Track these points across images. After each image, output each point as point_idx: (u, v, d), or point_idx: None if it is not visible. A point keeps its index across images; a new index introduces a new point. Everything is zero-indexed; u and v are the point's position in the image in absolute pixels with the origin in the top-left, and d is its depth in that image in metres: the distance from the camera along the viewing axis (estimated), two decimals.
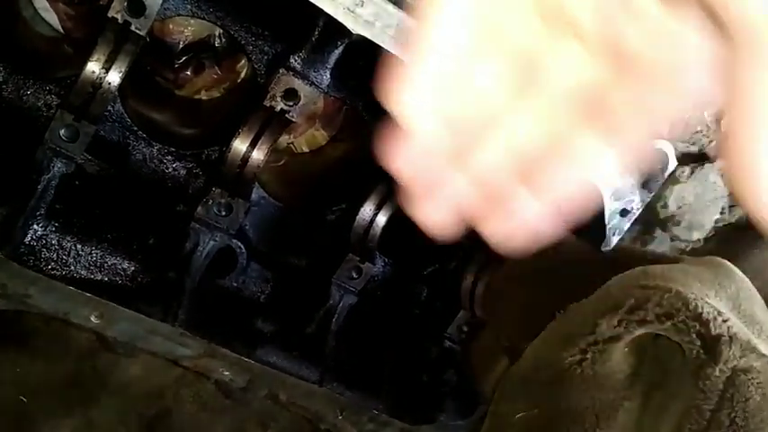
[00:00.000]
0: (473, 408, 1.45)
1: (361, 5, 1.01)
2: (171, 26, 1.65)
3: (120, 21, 1.11)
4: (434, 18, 0.55)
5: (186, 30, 1.67)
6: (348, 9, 1.00)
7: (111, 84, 1.17)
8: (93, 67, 1.16)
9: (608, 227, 1.23)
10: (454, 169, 0.58)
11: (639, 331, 1.17)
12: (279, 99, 1.20)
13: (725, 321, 1.12)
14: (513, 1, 0.53)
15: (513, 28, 0.53)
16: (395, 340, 1.54)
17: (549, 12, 0.52)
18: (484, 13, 0.53)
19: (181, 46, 1.69)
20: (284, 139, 1.72)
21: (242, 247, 1.38)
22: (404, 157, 0.58)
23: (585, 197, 0.57)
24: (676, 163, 1.21)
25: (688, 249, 2.24)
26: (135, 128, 1.37)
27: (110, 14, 1.10)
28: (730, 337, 1.10)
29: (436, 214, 0.61)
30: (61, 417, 1.80)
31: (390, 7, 1.02)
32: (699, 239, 2.23)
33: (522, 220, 0.58)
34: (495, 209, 0.59)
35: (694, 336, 1.11)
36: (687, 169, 2.13)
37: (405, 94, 0.56)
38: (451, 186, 0.59)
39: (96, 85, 1.16)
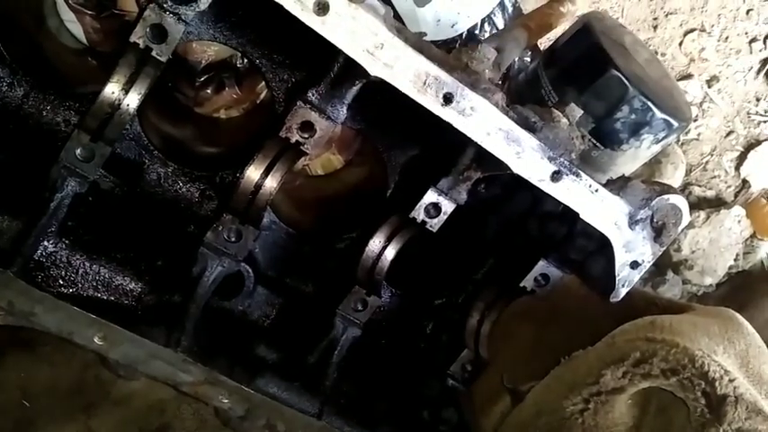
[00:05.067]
0: None
1: (381, 48, 1.01)
2: (194, 45, 1.67)
3: (141, 46, 1.11)
4: None
5: (209, 49, 1.69)
6: (368, 51, 1.00)
7: (130, 106, 1.17)
8: (112, 88, 1.16)
9: (617, 278, 1.22)
10: None
11: (644, 385, 1.15)
12: (295, 131, 1.20)
13: (731, 381, 1.10)
14: None
15: None
16: (397, 375, 1.53)
17: None
18: None
19: (203, 65, 1.71)
20: (300, 161, 1.72)
21: (250, 270, 1.38)
22: None
23: None
24: (690, 218, 1.20)
25: (700, 294, 2.22)
26: (151, 147, 1.38)
27: (132, 39, 1.11)
28: (736, 397, 1.08)
29: None
30: (62, 423, 1.81)
31: (410, 51, 1.02)
32: (711, 285, 2.21)
33: None
34: None
35: (699, 394, 1.10)
36: (702, 214, 2.11)
37: None
38: None
39: (114, 106, 1.16)
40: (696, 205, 2.15)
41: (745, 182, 2.19)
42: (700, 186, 2.16)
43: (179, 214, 1.40)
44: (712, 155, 2.16)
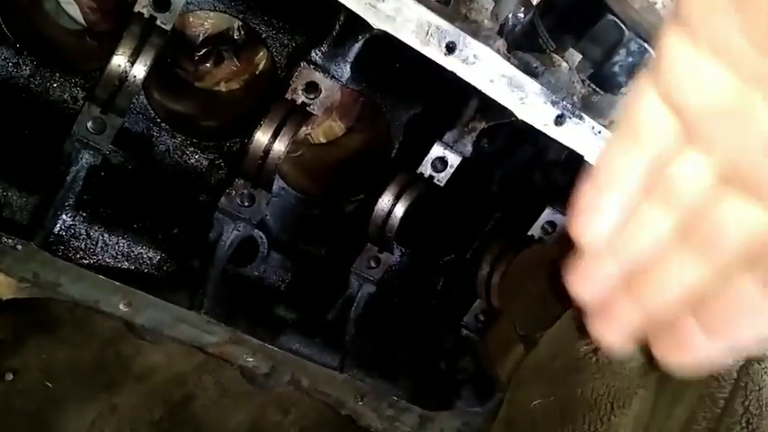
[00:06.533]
0: (490, 395, 1.47)
1: (383, 0, 1.02)
2: (191, 19, 1.68)
3: (145, 15, 1.13)
4: (615, 165, 0.60)
5: (206, 22, 1.69)
6: (369, 4, 1.02)
7: (137, 77, 1.19)
8: (118, 60, 1.18)
9: None
10: (627, 298, 0.64)
11: None
12: (300, 92, 1.22)
13: None
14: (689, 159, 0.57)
15: (686, 182, 0.58)
16: (413, 328, 1.57)
17: (727, 173, 0.56)
18: (659, 167, 0.59)
19: (201, 38, 1.71)
20: (302, 131, 1.74)
21: (263, 236, 1.40)
22: (584, 282, 0.64)
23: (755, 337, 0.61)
24: None
25: None
26: (158, 120, 1.40)
27: (136, 9, 1.13)
28: None
29: (611, 334, 0.66)
30: (86, 401, 1.84)
31: (411, 2, 1.04)
32: None
33: (693, 350, 0.62)
34: (665, 336, 0.63)
35: None
36: None
37: (586, 227, 0.62)
38: (624, 312, 0.64)
39: (122, 78, 1.18)
40: None
41: None
42: None
43: (190, 184, 1.42)
44: None
